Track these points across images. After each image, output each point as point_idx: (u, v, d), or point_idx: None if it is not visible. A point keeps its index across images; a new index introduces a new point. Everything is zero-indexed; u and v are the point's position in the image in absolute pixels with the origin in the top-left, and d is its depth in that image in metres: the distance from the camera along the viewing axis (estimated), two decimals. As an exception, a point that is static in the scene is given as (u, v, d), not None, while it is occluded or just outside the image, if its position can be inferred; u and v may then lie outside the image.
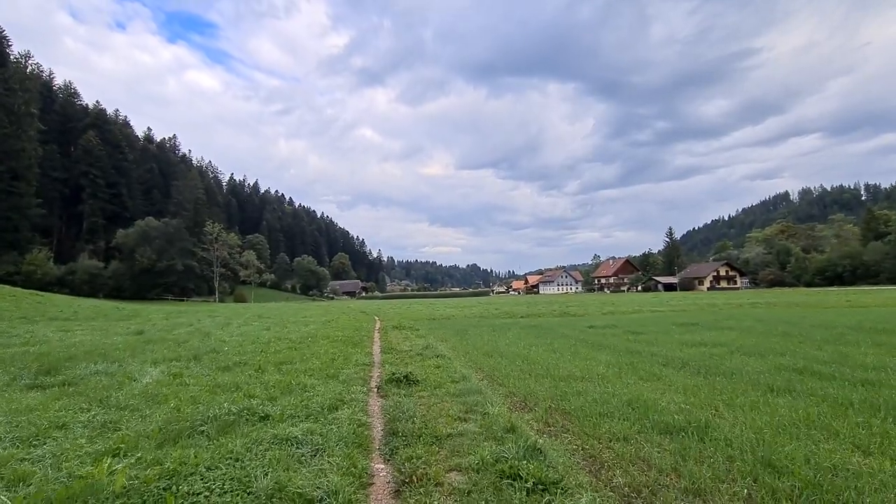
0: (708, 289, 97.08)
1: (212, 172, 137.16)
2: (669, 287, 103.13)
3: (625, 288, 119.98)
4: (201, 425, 4.13)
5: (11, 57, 66.29)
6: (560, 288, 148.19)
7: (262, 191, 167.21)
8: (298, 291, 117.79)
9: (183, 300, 70.40)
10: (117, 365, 7.68)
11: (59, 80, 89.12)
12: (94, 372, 6.98)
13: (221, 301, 75.47)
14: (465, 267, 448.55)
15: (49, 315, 20.66)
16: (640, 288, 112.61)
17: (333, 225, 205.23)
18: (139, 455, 3.41)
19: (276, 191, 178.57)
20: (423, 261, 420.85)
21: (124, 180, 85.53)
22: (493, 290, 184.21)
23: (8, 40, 72.87)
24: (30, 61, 72.79)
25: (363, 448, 3.79)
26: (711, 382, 6.20)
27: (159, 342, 11.24)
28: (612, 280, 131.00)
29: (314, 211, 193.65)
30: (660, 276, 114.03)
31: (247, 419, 4.41)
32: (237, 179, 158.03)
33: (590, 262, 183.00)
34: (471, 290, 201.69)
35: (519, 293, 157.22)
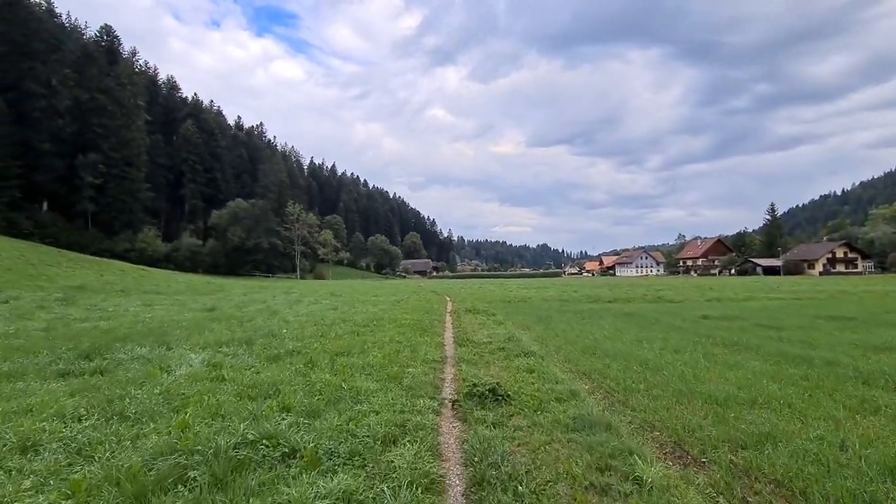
0: (820, 273, 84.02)
1: (294, 157, 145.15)
2: (771, 270, 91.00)
3: (715, 271, 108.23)
4: (196, 466, 2.77)
5: (122, 56, 73.59)
6: (639, 270, 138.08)
7: (340, 173, 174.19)
8: (372, 269, 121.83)
9: (268, 276, 75.41)
10: (165, 348, 6.91)
11: (162, 76, 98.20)
12: (135, 357, 6.19)
13: (302, 278, 79.84)
14: (535, 247, 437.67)
15: (144, 289, 22.02)
16: (733, 271, 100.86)
17: (405, 205, 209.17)
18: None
19: (353, 173, 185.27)
20: (493, 240, 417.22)
21: (218, 165, 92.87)
22: (564, 271, 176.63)
23: (119, 41, 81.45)
24: (136, 58, 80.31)
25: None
26: None
27: (224, 320, 10.72)
28: (700, 262, 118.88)
29: (387, 192, 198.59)
30: (758, 258, 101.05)
31: (264, 455, 3.01)
32: (317, 163, 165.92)
33: (673, 243, 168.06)
34: (541, 270, 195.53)
35: (593, 274, 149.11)
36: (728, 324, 11.79)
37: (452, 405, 4.37)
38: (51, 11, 66.91)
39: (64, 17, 75.99)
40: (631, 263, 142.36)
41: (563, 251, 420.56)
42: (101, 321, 10.17)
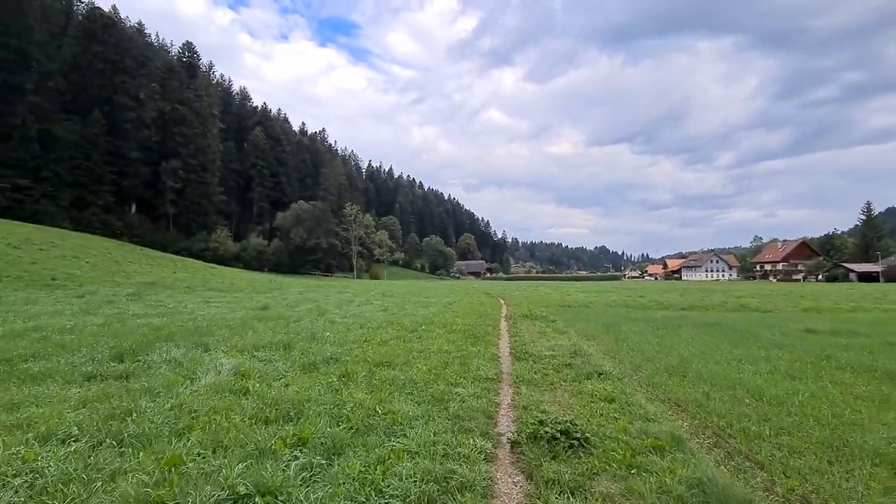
0: (932, 280, 72.52)
1: (353, 160, 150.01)
2: (867, 277, 79.98)
3: (798, 277, 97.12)
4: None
5: (200, 69, 79.56)
6: (709, 274, 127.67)
7: (396, 176, 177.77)
8: (427, 270, 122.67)
9: (327, 275, 78.03)
10: (201, 350, 6.51)
11: (235, 87, 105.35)
12: (167, 360, 5.80)
13: (358, 277, 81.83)
14: (592, 249, 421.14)
15: (209, 285, 22.93)
16: (820, 277, 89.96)
17: (460, 207, 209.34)
18: None
19: (408, 175, 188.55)
20: (548, 242, 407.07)
21: (283, 169, 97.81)
22: (624, 275, 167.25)
23: (198, 56, 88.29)
24: (212, 71, 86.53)
25: None
26: None
27: (272, 320, 10.42)
28: (780, 266, 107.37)
29: (442, 193, 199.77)
30: (851, 263, 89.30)
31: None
32: (374, 166, 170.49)
33: (746, 245, 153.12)
34: (599, 273, 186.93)
35: (656, 278, 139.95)
36: (845, 340, 9.73)
37: (512, 447, 3.37)
38: (139, 31, 73.57)
39: (153, 36, 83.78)
40: (700, 267, 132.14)
41: (622, 254, 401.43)
42: (156, 318, 10.23)
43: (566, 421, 3.45)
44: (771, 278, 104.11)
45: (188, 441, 3.20)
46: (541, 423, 3.48)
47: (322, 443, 3.22)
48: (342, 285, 35.56)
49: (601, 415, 4.12)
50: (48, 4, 59.26)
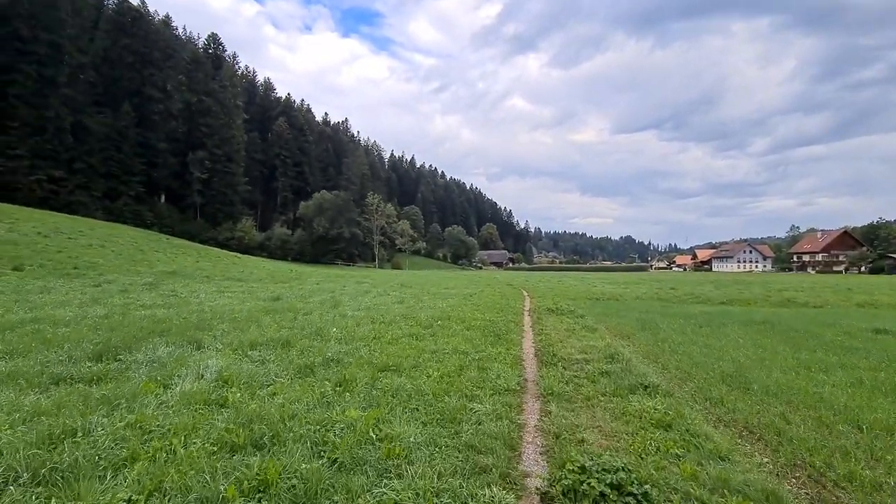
0: None
1: (376, 150, 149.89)
2: (917, 268, 74.79)
3: (840, 268, 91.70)
4: None
5: (225, 61, 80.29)
6: (742, 265, 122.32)
7: (418, 165, 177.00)
8: (449, 260, 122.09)
9: (349, 265, 78.39)
10: (193, 348, 5.90)
11: (260, 78, 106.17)
12: (150, 360, 5.21)
13: (380, 267, 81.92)
14: (617, 239, 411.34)
15: (229, 275, 22.81)
16: (863, 268, 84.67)
17: (482, 196, 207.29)
18: None
19: (430, 165, 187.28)
20: (571, 232, 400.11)
21: (306, 159, 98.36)
22: (651, 265, 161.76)
23: (224, 48, 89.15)
24: (237, 62, 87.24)
25: None
26: None
27: (281, 313, 9.86)
28: (819, 257, 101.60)
29: (464, 183, 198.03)
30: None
31: None
32: (397, 156, 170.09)
33: (782, 236, 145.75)
34: (624, 264, 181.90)
35: (685, 269, 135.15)
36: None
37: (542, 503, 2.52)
38: (166, 23, 74.53)
39: (179, 29, 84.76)
40: (731, 258, 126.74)
41: (649, 244, 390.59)
42: (162, 309, 9.80)
43: (617, 467, 2.57)
44: (809, 270, 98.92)
45: (123, 480, 2.49)
46: (582, 470, 2.59)
47: (290, 488, 2.46)
48: (362, 275, 35.23)
49: (657, 450, 3.21)
50: (81, 1, 60.58)
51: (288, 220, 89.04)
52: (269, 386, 4.46)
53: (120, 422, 3.31)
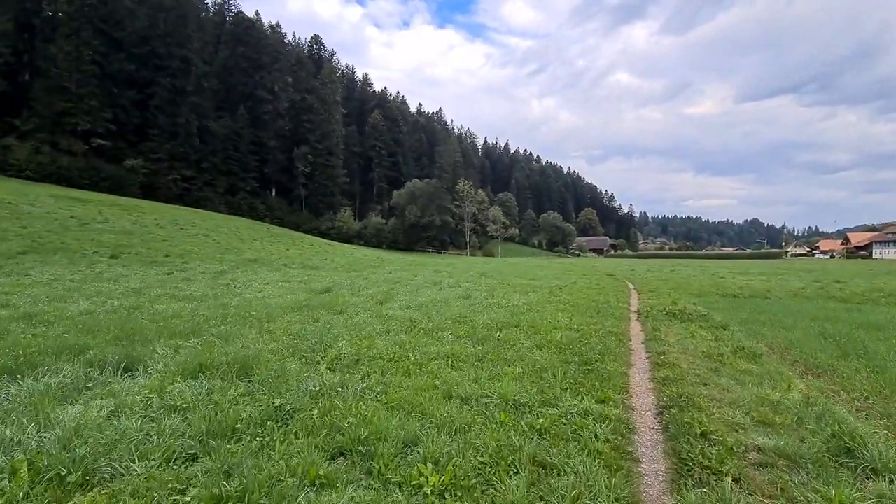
0: None
1: (469, 138, 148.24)
2: None
3: None
4: None
5: (325, 60, 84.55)
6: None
7: (512, 151, 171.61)
8: (544, 247, 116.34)
9: (441, 252, 78.09)
10: (115, 371, 4.10)
11: (358, 74, 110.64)
12: (27, 390, 3.41)
13: (472, 254, 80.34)
14: (741, 223, 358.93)
15: (308, 263, 22.53)
16: None
17: (580, 180, 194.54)
18: None
19: (525, 149, 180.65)
20: (683, 216, 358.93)
21: (400, 149, 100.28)
22: (787, 252, 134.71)
23: (324, 47, 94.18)
24: (336, 60, 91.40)
25: None
26: None
27: (312, 309, 8.10)
28: None
29: (560, 167, 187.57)
30: None
31: None
32: (490, 142, 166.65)
33: None
34: (750, 250, 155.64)
35: (832, 256, 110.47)
36: None
37: None
38: (274, 29, 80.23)
39: (290, 37, 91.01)
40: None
41: (782, 227, 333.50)
42: (188, 301, 8.64)
43: None
44: None
45: None
46: None
47: None
48: (447, 263, 33.48)
49: None
50: (204, 17, 67.79)
51: (383, 210, 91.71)
52: (117, 479, 2.33)
53: None
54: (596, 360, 4.86)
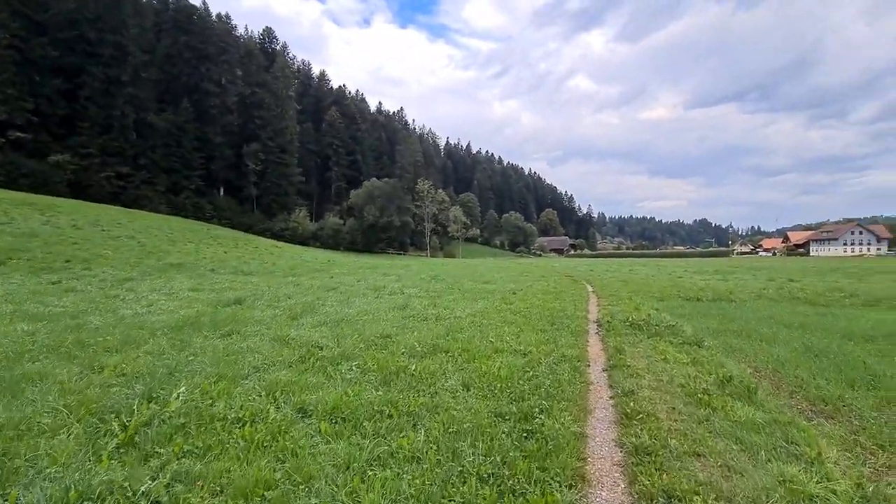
0: None
1: (431, 138, 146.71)
2: None
3: None
4: None
5: (277, 53, 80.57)
6: (850, 248, 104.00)
7: (475, 151, 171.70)
8: (507, 247, 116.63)
9: (401, 254, 76.16)
10: None
11: (315, 71, 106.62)
12: None
13: (433, 255, 78.88)
14: (690, 223, 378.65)
15: (242, 268, 20.25)
16: None
17: (541, 181, 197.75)
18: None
19: (487, 151, 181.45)
20: (638, 217, 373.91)
21: (359, 148, 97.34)
22: (733, 250, 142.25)
23: (277, 40, 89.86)
24: (289, 54, 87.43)
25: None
26: None
27: (206, 327, 6.26)
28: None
29: (522, 168, 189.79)
30: None
31: None
32: (452, 143, 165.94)
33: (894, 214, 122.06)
34: (699, 249, 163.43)
35: (775, 254, 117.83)
36: None
37: None
38: (221, 20, 75.43)
39: (241, 30, 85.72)
40: (836, 240, 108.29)
41: (728, 227, 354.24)
42: (30, 322, 6.58)
43: None
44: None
45: None
46: None
47: None
48: (402, 265, 31.78)
49: None
50: (143, 3, 62.49)
51: (342, 210, 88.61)
52: None
53: None
54: (541, 412, 3.43)
